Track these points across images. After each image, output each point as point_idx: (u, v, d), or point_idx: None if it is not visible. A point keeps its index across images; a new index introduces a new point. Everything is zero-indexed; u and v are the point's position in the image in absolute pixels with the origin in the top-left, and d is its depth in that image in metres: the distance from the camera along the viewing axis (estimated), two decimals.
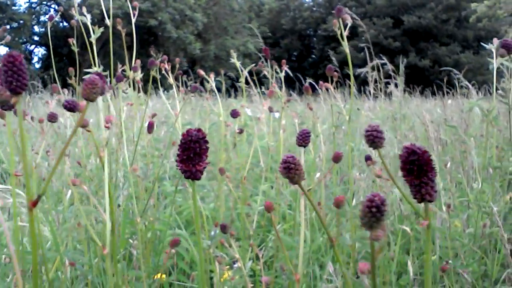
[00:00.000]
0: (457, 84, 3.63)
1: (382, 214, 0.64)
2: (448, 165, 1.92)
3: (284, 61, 1.84)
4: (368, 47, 2.60)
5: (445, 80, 3.95)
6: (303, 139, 1.10)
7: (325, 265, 1.73)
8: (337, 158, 1.09)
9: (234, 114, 1.54)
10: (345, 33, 1.40)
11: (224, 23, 25.34)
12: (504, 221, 1.59)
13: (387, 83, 3.69)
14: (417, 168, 0.74)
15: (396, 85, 4.33)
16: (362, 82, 4.05)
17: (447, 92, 4.58)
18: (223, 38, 25.03)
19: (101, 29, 1.70)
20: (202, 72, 1.68)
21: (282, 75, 1.79)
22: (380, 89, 3.54)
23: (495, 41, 1.32)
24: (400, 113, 3.59)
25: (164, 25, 22.91)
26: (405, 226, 1.68)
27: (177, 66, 2.13)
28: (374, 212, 0.64)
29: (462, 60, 22.53)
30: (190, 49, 23.59)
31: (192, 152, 0.78)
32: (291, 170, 0.77)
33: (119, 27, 1.79)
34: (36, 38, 25.92)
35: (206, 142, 0.79)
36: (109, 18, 1.85)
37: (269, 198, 1.94)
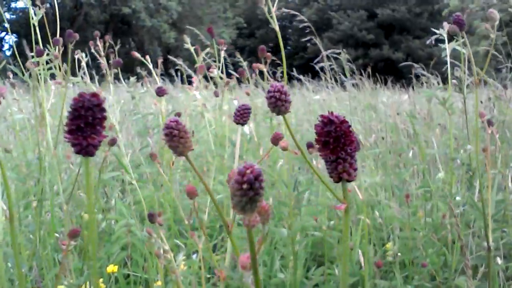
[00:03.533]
0: (425, 76, 3.64)
1: (257, 192, 0.50)
2: (410, 154, 1.91)
3: (222, 40, 1.80)
4: (312, 31, 2.56)
5: (413, 72, 3.95)
6: (241, 115, 0.93)
7: (287, 256, 1.71)
8: (275, 140, 0.98)
9: (160, 92, 1.47)
10: (273, 9, 1.37)
11: (199, 13, 25.13)
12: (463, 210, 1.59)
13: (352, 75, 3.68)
14: (334, 141, 0.62)
15: (368, 76, 4.33)
16: (334, 74, 4.04)
17: (413, 84, 4.61)
18: (198, 27, 24.75)
19: (42, 11, 1.64)
20: (136, 54, 1.63)
21: (222, 56, 1.77)
22: (336, 79, 3.53)
23: (446, 25, 1.28)
24: (370, 105, 3.59)
25: (138, 14, 22.60)
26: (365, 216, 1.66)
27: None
28: (246, 190, 0.50)
29: (435, 53, 22.77)
30: (164, 38, 23.34)
31: (84, 122, 0.64)
32: (174, 138, 0.62)
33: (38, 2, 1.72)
34: (6, 25, 25.37)
35: (103, 110, 0.65)
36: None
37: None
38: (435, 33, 1.45)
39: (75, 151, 0.65)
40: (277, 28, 1.41)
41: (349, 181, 0.63)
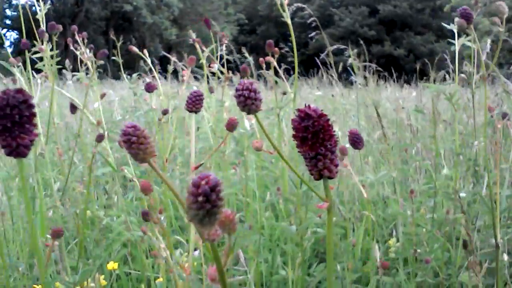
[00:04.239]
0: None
1: (215, 205, 0.46)
2: (414, 151, 1.89)
3: (223, 33, 1.79)
4: (317, 26, 2.52)
5: (418, 69, 3.94)
6: (194, 103, 0.85)
7: (288, 252, 1.69)
8: (231, 126, 0.89)
9: (149, 88, 1.45)
10: (286, 1, 1.35)
11: (200, 9, 25.10)
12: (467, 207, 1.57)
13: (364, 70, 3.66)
14: (312, 136, 0.58)
15: (371, 72, 4.30)
16: (342, 70, 4.02)
17: (424, 79, 4.59)
18: (199, 24, 24.77)
19: (47, 6, 1.62)
20: (134, 49, 1.61)
21: (224, 50, 1.75)
22: (340, 77, 3.51)
23: (456, 20, 1.26)
24: (374, 101, 3.57)
25: (139, 10, 22.59)
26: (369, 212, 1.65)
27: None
28: (201, 203, 0.45)
29: (437, 49, 22.73)
30: (166, 35, 23.34)
31: (10, 121, 0.58)
32: (133, 145, 0.57)
33: None
34: (8, 22, 25.38)
35: (30, 107, 0.59)
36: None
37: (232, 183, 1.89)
38: (438, 29, 1.44)
39: (6, 153, 0.60)
40: (289, 21, 1.39)
41: (330, 178, 0.60)
